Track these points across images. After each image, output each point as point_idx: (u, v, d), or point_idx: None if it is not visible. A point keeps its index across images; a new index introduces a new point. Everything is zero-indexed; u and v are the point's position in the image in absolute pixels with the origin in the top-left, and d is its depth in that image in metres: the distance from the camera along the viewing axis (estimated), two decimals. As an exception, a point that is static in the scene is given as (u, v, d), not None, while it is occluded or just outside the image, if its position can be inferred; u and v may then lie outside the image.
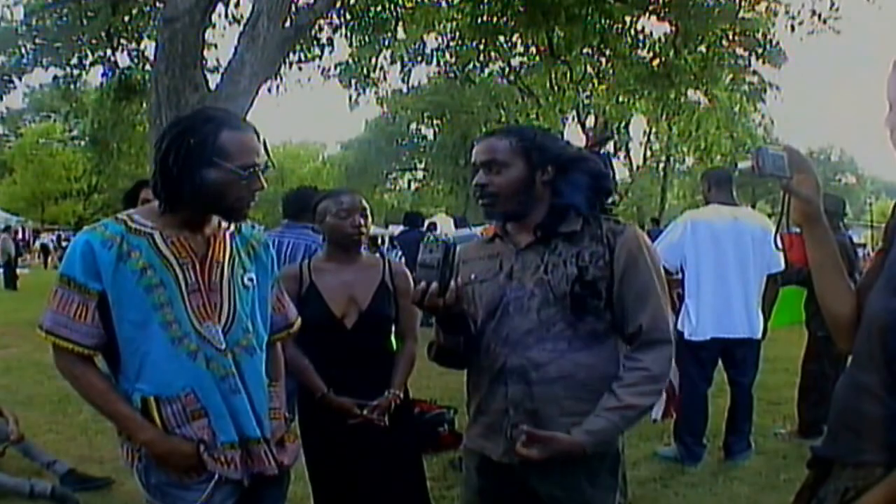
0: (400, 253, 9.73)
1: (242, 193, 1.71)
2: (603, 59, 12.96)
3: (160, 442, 1.70)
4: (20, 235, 27.16)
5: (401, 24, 12.30)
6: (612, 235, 1.77)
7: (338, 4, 10.43)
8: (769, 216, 6.82)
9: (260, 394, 1.81)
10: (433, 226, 13.43)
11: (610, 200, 1.88)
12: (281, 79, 12.32)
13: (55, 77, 13.07)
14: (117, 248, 1.67)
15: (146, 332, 1.68)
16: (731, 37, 11.83)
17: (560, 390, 1.74)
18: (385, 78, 14.97)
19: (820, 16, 11.28)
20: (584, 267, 1.74)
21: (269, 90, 11.90)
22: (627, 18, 11.78)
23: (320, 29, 11.40)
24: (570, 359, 1.74)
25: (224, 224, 1.83)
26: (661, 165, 29.70)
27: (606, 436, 1.71)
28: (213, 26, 10.90)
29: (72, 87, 13.51)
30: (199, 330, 1.70)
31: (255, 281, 1.84)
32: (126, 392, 1.72)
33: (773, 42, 12.41)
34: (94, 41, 11.86)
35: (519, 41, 13.43)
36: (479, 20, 11.67)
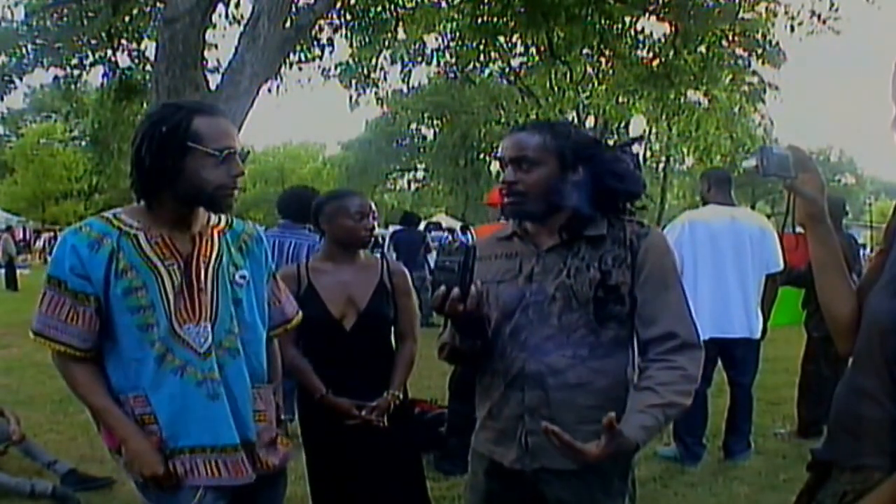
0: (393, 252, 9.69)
1: (222, 179, 1.65)
2: (603, 60, 12.96)
3: (134, 439, 1.66)
4: (21, 235, 27.12)
5: (401, 24, 12.29)
6: (635, 238, 1.71)
7: (338, 5, 10.43)
8: (768, 217, 6.83)
9: (244, 397, 1.75)
10: (437, 225, 13.29)
11: (639, 204, 1.81)
12: (281, 79, 12.32)
13: (56, 77, 13.07)
14: (102, 247, 1.64)
15: (117, 332, 1.66)
16: (730, 37, 11.83)
17: (578, 397, 1.68)
18: (385, 78, 14.99)
19: (820, 16, 11.29)
20: (608, 271, 1.68)
21: (270, 90, 11.90)
22: (627, 19, 11.79)
23: (320, 29, 11.39)
24: (590, 365, 1.68)
25: (213, 220, 1.78)
26: (661, 166, 29.67)
27: (653, 433, 1.61)
28: (214, 26, 10.89)
29: (72, 87, 13.50)
30: (179, 333, 1.66)
31: (247, 278, 1.79)
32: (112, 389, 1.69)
33: (773, 42, 12.42)
34: (94, 41, 11.86)
35: (519, 41, 13.43)
36: (479, 20, 11.67)
